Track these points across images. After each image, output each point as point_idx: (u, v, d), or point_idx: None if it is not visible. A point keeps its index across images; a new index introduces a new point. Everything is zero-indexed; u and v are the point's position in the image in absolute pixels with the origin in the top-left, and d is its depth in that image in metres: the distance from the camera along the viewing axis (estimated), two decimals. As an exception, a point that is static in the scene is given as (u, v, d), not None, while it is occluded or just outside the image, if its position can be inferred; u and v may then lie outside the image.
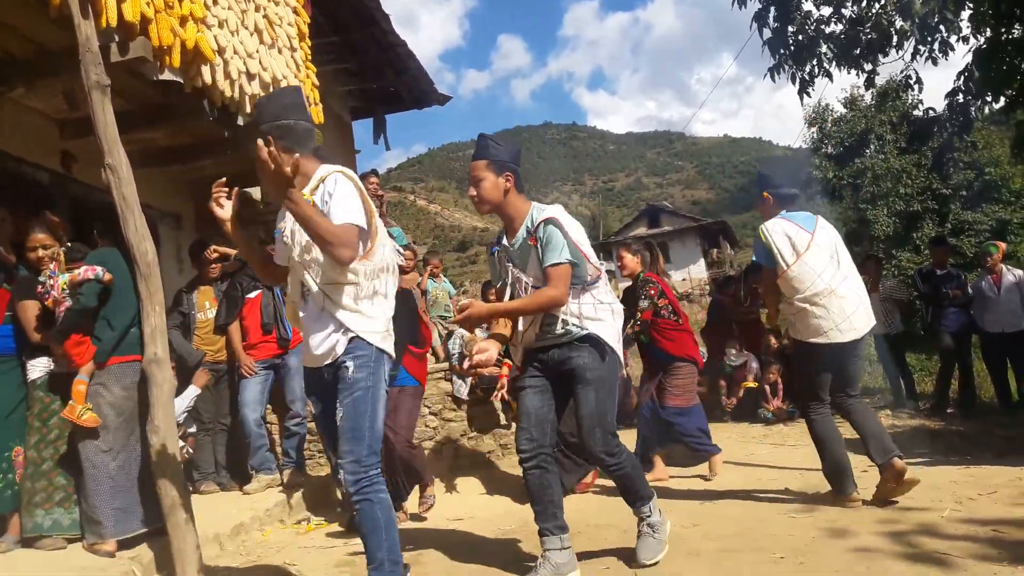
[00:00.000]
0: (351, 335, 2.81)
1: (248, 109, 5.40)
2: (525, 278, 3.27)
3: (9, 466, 3.97)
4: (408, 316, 4.74)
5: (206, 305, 5.73)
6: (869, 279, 10.15)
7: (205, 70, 4.95)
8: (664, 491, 5.18)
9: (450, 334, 6.78)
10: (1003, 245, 8.93)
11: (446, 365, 6.86)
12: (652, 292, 5.53)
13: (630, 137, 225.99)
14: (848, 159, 22.90)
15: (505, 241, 3.37)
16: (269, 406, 5.84)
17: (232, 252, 5.99)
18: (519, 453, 3.33)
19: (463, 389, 6.63)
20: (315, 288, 2.83)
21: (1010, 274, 8.29)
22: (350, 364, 2.80)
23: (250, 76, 5.41)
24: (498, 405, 6.76)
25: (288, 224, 2.91)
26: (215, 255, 5.81)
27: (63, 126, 5.70)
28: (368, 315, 2.85)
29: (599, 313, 3.32)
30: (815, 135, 24.20)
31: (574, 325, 3.26)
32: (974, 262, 16.48)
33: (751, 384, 9.15)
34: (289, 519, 4.97)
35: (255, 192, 8.00)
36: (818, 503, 4.26)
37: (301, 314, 2.94)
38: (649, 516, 3.42)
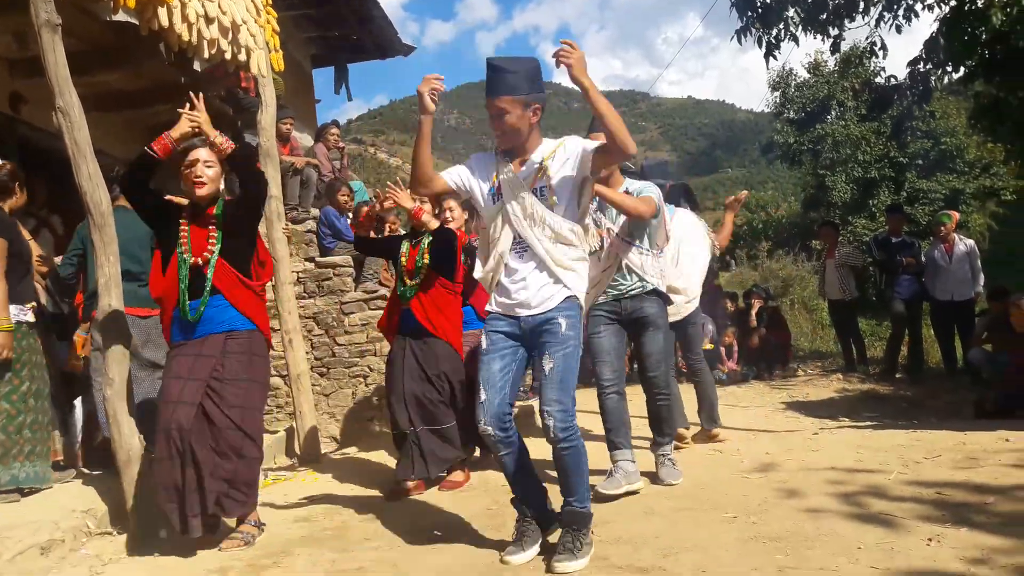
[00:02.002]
0: (567, 293, 3.04)
1: (206, 54, 5.22)
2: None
3: None
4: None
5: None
6: (826, 245, 10.37)
7: (162, 12, 4.75)
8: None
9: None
10: (956, 215, 9.12)
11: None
12: None
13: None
14: (809, 124, 23.02)
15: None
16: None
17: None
18: (602, 381, 4.03)
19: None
20: (539, 245, 3.04)
21: (961, 243, 8.49)
22: (562, 321, 3.00)
23: (208, 20, 5.21)
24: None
25: (509, 182, 3.08)
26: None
27: (12, 66, 5.47)
28: (581, 276, 3.11)
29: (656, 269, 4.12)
30: (778, 99, 24.27)
31: (645, 280, 4.05)
32: (927, 230, 16.83)
33: (707, 346, 9.29)
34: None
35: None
36: (771, 468, 4.36)
37: (510, 264, 3.09)
38: (669, 451, 4.23)
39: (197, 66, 5.91)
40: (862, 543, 2.88)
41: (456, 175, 3.23)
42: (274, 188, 5.62)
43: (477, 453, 5.02)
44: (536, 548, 3.08)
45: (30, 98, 5.51)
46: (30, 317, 4.00)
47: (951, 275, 8.34)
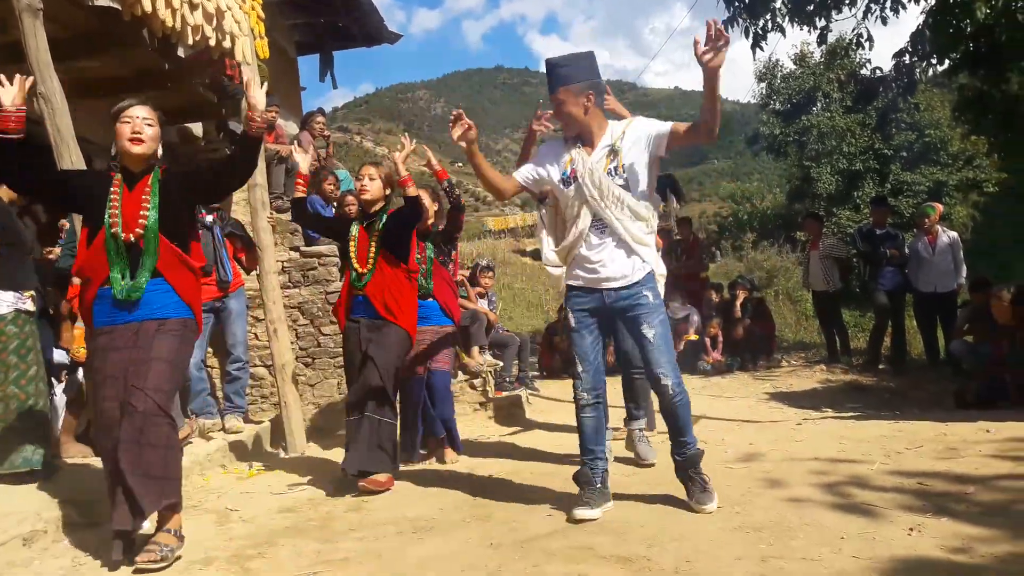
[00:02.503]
0: (647, 268, 3.33)
1: (191, 40, 5.16)
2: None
3: None
4: None
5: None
6: (810, 236, 10.43)
7: (145, -2, 4.71)
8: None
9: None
10: (940, 207, 9.19)
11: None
12: None
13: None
14: (795, 116, 23.13)
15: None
16: (210, 350, 5.73)
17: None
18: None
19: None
20: (618, 224, 3.28)
21: (945, 235, 8.55)
22: (649, 293, 3.30)
23: (192, 6, 5.15)
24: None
25: (583, 166, 3.30)
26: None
27: (-9, 50, 5.38)
28: (653, 249, 3.38)
29: None
30: (764, 91, 24.35)
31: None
32: (911, 222, 16.95)
33: (692, 337, 9.34)
34: (231, 465, 4.93)
35: (197, 128, 7.75)
36: (754, 458, 4.39)
37: (591, 240, 3.33)
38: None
39: (181, 52, 5.83)
40: (845, 533, 2.90)
41: (524, 174, 3.51)
42: (259, 176, 5.58)
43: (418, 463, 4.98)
44: (606, 506, 3.39)
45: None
46: (29, 306, 3.96)
47: (934, 267, 8.40)
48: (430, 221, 5.15)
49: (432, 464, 4.93)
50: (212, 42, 5.21)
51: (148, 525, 3.16)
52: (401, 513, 3.70)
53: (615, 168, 3.30)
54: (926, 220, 8.61)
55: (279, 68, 9.12)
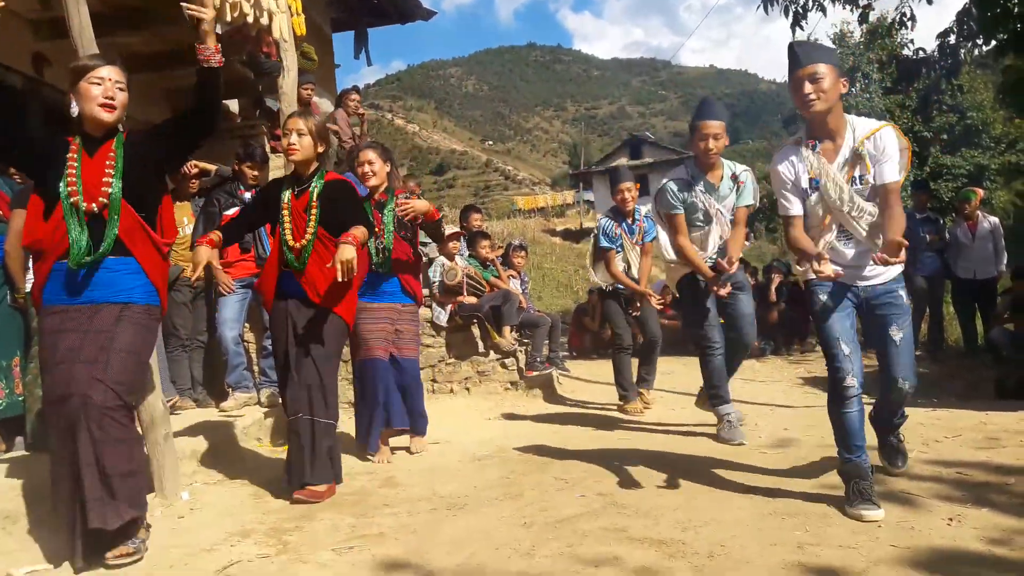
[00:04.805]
0: (899, 268, 3.15)
1: (228, 17, 5.18)
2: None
3: (9, 377, 4.03)
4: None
5: (184, 221, 5.61)
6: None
7: (184, -26, 4.72)
8: (633, 427, 5.29)
9: (430, 261, 6.73)
10: (981, 192, 9.00)
11: (425, 292, 6.83)
12: None
13: (615, 64, 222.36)
14: (833, 97, 22.71)
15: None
16: (247, 324, 5.80)
17: (212, 167, 5.84)
18: (713, 343, 4.57)
19: (442, 316, 6.63)
20: (863, 232, 3.16)
21: (985, 221, 8.38)
22: (902, 292, 3.25)
23: (231, -17, 5.17)
24: (476, 332, 6.78)
25: (827, 176, 3.13)
26: (195, 170, 5.65)
27: (36, 27, 5.45)
28: None
29: None
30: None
31: None
32: (950, 207, 16.60)
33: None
34: (267, 438, 4.99)
35: (233, 105, 7.79)
36: (788, 444, 4.36)
37: (838, 248, 3.20)
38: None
39: (218, 29, 5.85)
40: (883, 522, 2.87)
41: (796, 207, 3.24)
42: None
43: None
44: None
45: (53, 60, 5.50)
46: None
47: (974, 253, 8.25)
48: (383, 186, 4.64)
49: (386, 458, 4.53)
50: (250, 19, 5.21)
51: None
52: (434, 490, 3.74)
53: (860, 177, 3.11)
54: (967, 205, 8.44)
55: (315, 45, 9.13)
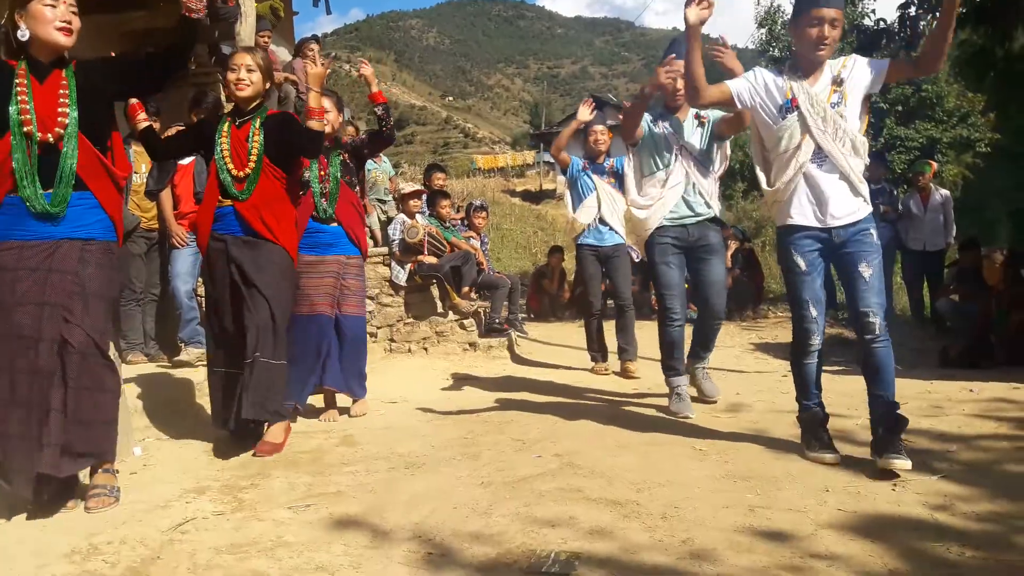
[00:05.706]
0: (868, 208, 3.27)
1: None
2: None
3: None
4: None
5: (142, 168, 5.42)
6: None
7: (137, -88, 4.53)
8: (590, 390, 5.34)
9: (390, 220, 6.65)
10: (935, 164, 9.18)
11: (384, 250, 6.77)
12: None
13: (579, 22, 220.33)
14: (794, 64, 22.82)
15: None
16: (200, 280, 5.68)
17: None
18: (672, 314, 4.34)
19: (401, 275, 6.58)
20: (841, 158, 3.20)
21: (937, 193, 8.56)
22: (873, 231, 3.26)
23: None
24: (435, 292, 6.75)
25: (805, 95, 3.20)
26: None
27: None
28: (867, 187, 3.30)
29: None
30: (764, 36, 23.97)
31: (711, 205, 4.31)
32: (903, 178, 16.92)
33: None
34: (220, 394, 4.93)
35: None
36: (740, 408, 4.45)
37: (811, 174, 3.23)
38: (706, 364, 4.62)
39: (173, -29, 5.64)
40: (830, 486, 2.96)
41: (739, 87, 3.34)
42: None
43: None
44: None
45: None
46: None
47: (925, 225, 8.43)
48: (333, 132, 4.49)
49: (332, 418, 4.49)
50: (207, -38, 5.03)
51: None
52: (392, 449, 3.73)
53: (839, 100, 3.22)
54: (921, 177, 8.60)
55: (272, -9, 8.85)
